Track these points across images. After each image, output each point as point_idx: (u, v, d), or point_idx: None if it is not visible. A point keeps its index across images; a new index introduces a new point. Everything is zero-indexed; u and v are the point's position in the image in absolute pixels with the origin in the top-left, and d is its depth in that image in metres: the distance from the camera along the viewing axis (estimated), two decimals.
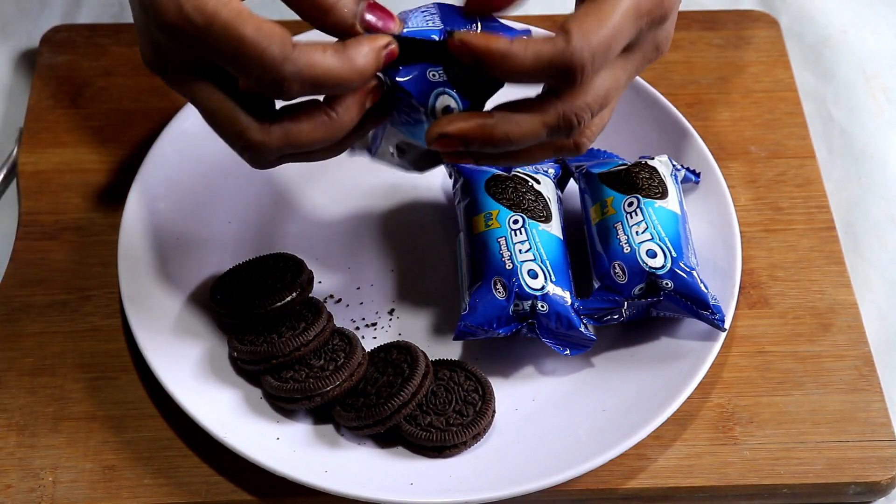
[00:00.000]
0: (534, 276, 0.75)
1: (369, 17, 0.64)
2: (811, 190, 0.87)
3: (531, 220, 0.77)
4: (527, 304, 0.75)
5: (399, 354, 0.75)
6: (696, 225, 0.81)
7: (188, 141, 0.85)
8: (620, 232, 0.76)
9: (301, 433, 0.74)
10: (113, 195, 0.85)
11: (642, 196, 0.77)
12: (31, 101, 0.91)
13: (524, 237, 0.76)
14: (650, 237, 0.76)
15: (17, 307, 0.81)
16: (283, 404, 0.74)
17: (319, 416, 0.75)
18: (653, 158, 0.80)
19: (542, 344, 0.77)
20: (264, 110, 0.65)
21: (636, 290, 0.76)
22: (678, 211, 0.78)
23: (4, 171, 0.89)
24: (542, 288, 0.75)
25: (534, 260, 0.75)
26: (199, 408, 0.73)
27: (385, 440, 0.74)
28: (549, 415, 0.76)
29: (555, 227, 0.78)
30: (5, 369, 0.78)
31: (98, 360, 0.79)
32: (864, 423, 0.76)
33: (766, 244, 0.84)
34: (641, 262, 0.75)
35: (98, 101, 0.91)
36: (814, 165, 0.88)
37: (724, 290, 0.78)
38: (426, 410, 0.74)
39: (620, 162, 0.81)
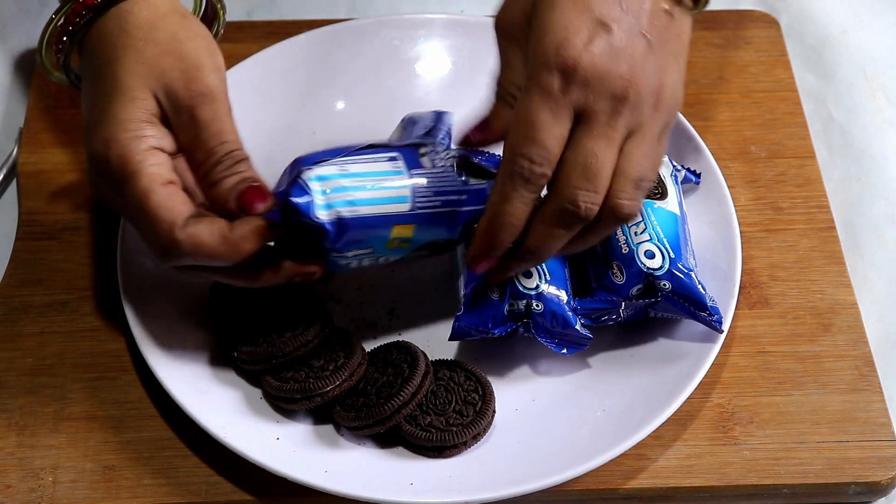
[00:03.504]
0: (528, 275, 0.75)
1: (245, 197, 0.69)
2: (811, 190, 0.87)
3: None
4: (521, 304, 0.75)
5: (399, 354, 0.75)
6: (696, 225, 0.81)
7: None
8: (619, 233, 0.76)
9: (301, 433, 0.74)
10: None
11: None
12: (30, 101, 0.91)
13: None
14: (649, 238, 0.76)
15: (17, 307, 0.81)
16: (283, 404, 0.74)
17: (319, 416, 0.75)
18: None
19: (541, 344, 0.77)
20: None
21: (634, 291, 0.75)
22: (677, 212, 0.78)
23: (4, 171, 0.89)
24: (537, 287, 0.75)
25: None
26: (198, 408, 0.73)
27: (385, 440, 0.74)
28: (549, 415, 0.75)
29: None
30: (5, 369, 0.78)
31: (98, 360, 0.79)
32: (864, 423, 0.76)
33: (767, 244, 0.84)
34: (639, 263, 0.75)
35: None
36: (814, 165, 0.88)
37: (724, 291, 0.78)
38: (426, 410, 0.74)
39: None
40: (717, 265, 0.79)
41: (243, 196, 0.69)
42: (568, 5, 0.68)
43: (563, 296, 0.75)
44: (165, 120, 0.71)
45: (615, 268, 0.76)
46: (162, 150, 0.70)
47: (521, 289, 0.75)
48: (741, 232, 0.81)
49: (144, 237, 0.70)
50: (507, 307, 0.75)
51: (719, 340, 0.76)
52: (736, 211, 0.82)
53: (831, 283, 0.82)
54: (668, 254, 0.75)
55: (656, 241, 0.76)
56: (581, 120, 0.68)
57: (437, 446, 0.73)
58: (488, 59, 0.91)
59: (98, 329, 0.80)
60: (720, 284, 0.78)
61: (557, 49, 0.67)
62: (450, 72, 0.92)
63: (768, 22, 0.96)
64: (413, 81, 0.91)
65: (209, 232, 0.69)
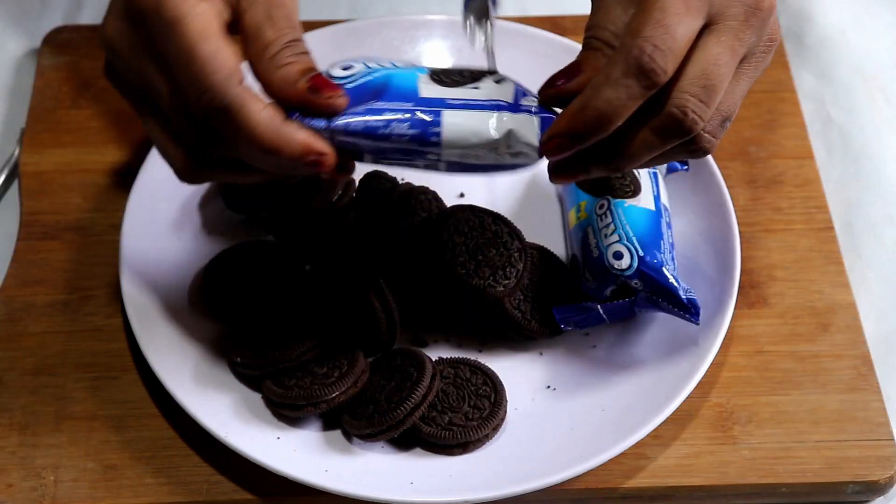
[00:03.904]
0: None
1: (317, 80, 0.63)
2: (810, 190, 0.87)
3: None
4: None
5: (403, 360, 0.75)
6: (695, 225, 0.81)
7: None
8: (591, 236, 0.77)
9: (302, 433, 0.74)
10: (114, 195, 0.86)
11: (613, 197, 0.77)
12: (32, 102, 0.91)
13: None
14: (618, 238, 0.76)
15: (19, 307, 0.81)
16: (288, 412, 0.74)
17: (321, 419, 0.75)
18: None
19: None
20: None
21: (608, 293, 0.76)
22: (652, 207, 0.77)
23: (6, 172, 0.89)
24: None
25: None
26: (199, 407, 0.73)
27: (399, 444, 0.74)
28: (549, 414, 0.76)
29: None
30: (7, 369, 0.79)
31: (99, 360, 0.79)
32: (863, 422, 0.76)
33: (765, 244, 0.84)
34: (608, 265, 0.75)
35: (99, 102, 0.91)
36: (812, 166, 0.88)
37: (723, 290, 0.78)
38: (442, 410, 0.74)
39: None
40: (717, 265, 0.79)
41: (316, 80, 0.62)
42: None
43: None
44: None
45: (587, 273, 0.76)
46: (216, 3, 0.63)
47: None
48: (740, 232, 0.81)
49: (188, 93, 0.61)
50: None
51: (719, 340, 0.76)
52: (735, 211, 0.82)
53: (830, 283, 0.82)
54: (637, 252, 0.75)
55: (625, 241, 0.75)
56: (710, 24, 0.62)
57: (462, 443, 0.73)
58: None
59: (99, 329, 0.80)
60: (719, 284, 0.78)
61: None
62: None
63: None
64: None
65: (261, 105, 0.61)
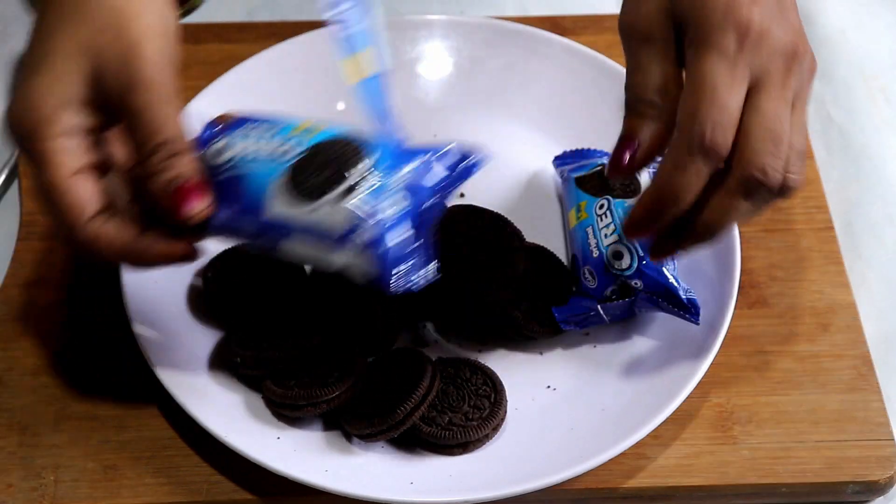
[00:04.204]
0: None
1: (175, 196, 0.66)
2: (810, 190, 0.87)
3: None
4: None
5: (403, 360, 0.75)
6: None
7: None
8: (591, 236, 0.77)
9: (302, 432, 0.74)
10: None
11: (613, 196, 0.77)
12: None
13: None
14: (617, 238, 0.76)
15: (19, 307, 0.81)
16: (287, 412, 0.74)
17: (321, 419, 0.75)
18: None
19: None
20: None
21: (608, 293, 0.76)
22: None
23: (6, 172, 0.89)
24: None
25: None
26: (199, 407, 0.73)
27: (399, 444, 0.74)
28: (549, 414, 0.76)
29: None
30: (7, 369, 0.79)
31: (99, 360, 0.79)
32: (863, 422, 0.76)
33: (765, 244, 0.84)
34: (608, 265, 0.75)
35: None
36: (812, 166, 0.88)
37: (723, 290, 0.78)
38: (442, 410, 0.74)
39: (601, 161, 0.81)
40: (717, 265, 0.79)
41: (174, 195, 0.66)
42: None
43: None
44: (100, 99, 0.66)
45: (587, 272, 0.76)
46: (79, 131, 0.66)
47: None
48: (740, 232, 0.81)
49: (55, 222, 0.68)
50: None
51: (718, 339, 0.76)
52: None
53: (830, 282, 0.82)
54: (636, 252, 0.75)
55: (625, 241, 0.75)
56: (756, 82, 0.65)
57: (462, 443, 0.73)
58: (488, 60, 0.92)
59: (99, 329, 0.80)
60: (719, 284, 0.78)
61: (727, 9, 0.64)
62: (450, 72, 0.92)
63: None
64: (413, 82, 0.91)
65: (115, 234, 0.66)
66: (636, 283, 0.75)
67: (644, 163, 0.68)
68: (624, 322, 0.79)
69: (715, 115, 0.63)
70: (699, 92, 0.64)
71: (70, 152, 0.66)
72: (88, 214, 0.66)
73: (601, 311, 0.76)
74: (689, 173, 0.64)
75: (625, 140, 0.68)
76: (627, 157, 0.67)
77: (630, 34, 0.68)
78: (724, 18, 0.64)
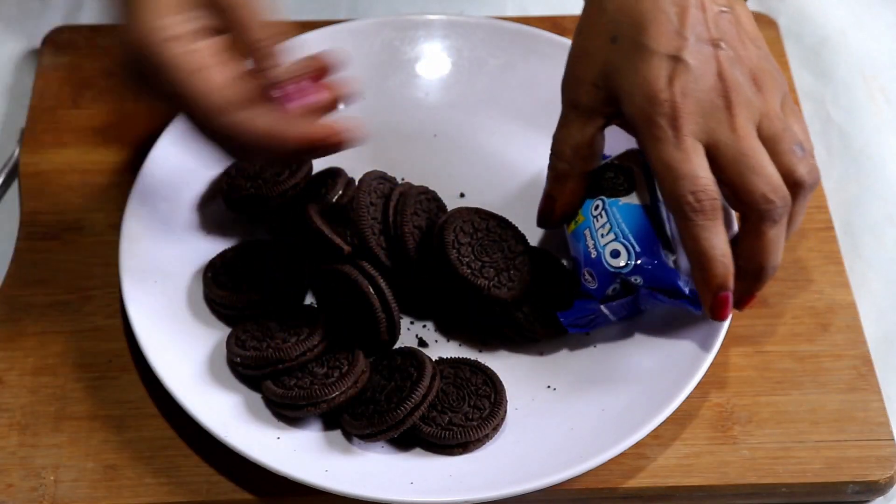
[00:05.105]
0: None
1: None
2: None
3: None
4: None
5: (404, 360, 0.75)
6: None
7: (189, 141, 0.85)
8: (588, 237, 0.76)
9: (302, 432, 0.74)
10: (114, 195, 0.85)
11: (607, 196, 0.77)
12: (32, 102, 0.91)
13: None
14: (614, 237, 0.75)
15: (19, 307, 0.81)
16: (288, 412, 0.74)
17: (321, 419, 0.75)
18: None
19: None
20: None
21: (609, 292, 0.76)
22: (647, 202, 0.77)
23: (6, 172, 0.89)
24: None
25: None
26: (200, 407, 0.73)
27: (399, 444, 0.74)
28: (549, 414, 0.76)
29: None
30: (7, 369, 0.79)
31: (99, 360, 0.79)
32: (863, 422, 0.76)
33: None
34: (606, 265, 0.75)
35: (99, 102, 0.91)
36: None
37: None
38: (442, 410, 0.74)
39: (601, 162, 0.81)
40: None
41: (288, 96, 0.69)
42: (635, 59, 0.71)
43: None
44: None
45: (587, 274, 0.76)
46: (193, 32, 0.68)
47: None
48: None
49: (192, 122, 0.69)
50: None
51: (719, 339, 0.76)
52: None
53: (830, 282, 0.83)
54: (633, 248, 0.75)
55: (621, 239, 0.75)
56: (710, 143, 0.71)
57: (462, 443, 0.73)
58: (488, 60, 0.92)
59: (100, 328, 0.80)
60: None
61: (650, 101, 0.70)
62: (450, 72, 0.92)
63: (766, 23, 0.96)
64: (413, 82, 0.92)
65: (257, 117, 0.68)
66: (636, 280, 0.75)
67: (564, 218, 0.77)
68: (625, 321, 0.79)
69: (688, 186, 0.70)
70: (664, 176, 0.71)
71: (191, 51, 0.67)
72: (225, 102, 0.67)
73: (605, 311, 0.76)
74: (709, 235, 0.70)
75: (545, 198, 0.77)
76: (549, 212, 0.77)
77: (562, 93, 0.76)
78: (651, 108, 0.70)
